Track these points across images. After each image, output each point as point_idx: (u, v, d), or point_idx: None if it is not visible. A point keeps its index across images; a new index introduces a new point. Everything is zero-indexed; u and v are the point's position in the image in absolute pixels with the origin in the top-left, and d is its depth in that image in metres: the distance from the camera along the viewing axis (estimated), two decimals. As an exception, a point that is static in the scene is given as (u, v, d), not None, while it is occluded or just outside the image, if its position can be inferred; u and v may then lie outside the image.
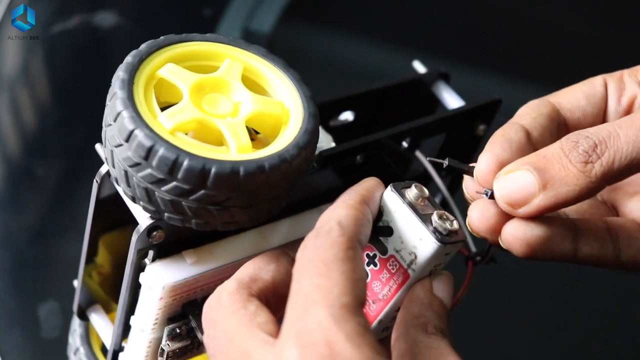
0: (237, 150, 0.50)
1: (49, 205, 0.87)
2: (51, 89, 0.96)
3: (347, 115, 0.63)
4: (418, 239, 0.49)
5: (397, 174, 0.61)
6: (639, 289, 0.85)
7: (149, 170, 0.48)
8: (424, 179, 0.59)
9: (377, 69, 1.01)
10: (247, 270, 0.49)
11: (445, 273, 0.51)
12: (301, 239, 0.48)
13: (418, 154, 0.61)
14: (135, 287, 0.54)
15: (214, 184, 0.48)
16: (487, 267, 0.56)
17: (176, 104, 0.51)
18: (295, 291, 0.45)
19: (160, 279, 0.52)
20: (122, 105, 0.49)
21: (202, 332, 0.54)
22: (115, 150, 0.49)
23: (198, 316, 0.54)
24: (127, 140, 0.48)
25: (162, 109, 0.50)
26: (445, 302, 0.50)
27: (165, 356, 0.55)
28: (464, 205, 0.55)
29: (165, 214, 0.50)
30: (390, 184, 0.50)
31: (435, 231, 0.49)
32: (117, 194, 0.53)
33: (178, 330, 0.55)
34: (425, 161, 0.61)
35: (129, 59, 0.51)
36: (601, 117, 0.55)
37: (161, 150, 0.48)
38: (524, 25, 1.06)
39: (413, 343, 0.47)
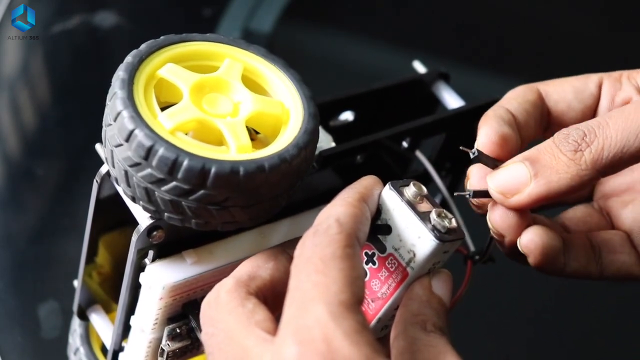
0: (237, 150, 0.50)
1: (49, 205, 0.87)
2: (51, 89, 0.96)
3: (347, 115, 0.63)
4: (417, 237, 0.49)
5: (397, 173, 0.61)
6: (639, 289, 0.85)
7: (148, 170, 0.48)
8: (424, 179, 0.60)
9: (377, 69, 1.01)
10: (245, 268, 0.49)
11: (444, 271, 0.51)
12: (300, 237, 0.48)
13: (418, 153, 0.61)
14: (135, 287, 0.54)
15: (213, 184, 0.48)
16: (486, 267, 0.56)
17: (176, 103, 0.51)
18: (294, 288, 0.45)
19: (160, 279, 0.52)
20: (122, 105, 0.49)
21: (201, 331, 0.54)
22: (115, 150, 0.49)
23: (198, 316, 0.54)
24: (127, 140, 0.48)
25: (162, 109, 0.50)
26: (444, 300, 0.50)
27: (165, 356, 0.55)
28: (463, 205, 0.55)
29: (165, 214, 0.50)
30: (389, 182, 0.50)
31: (434, 229, 0.49)
32: (117, 194, 0.53)
33: (178, 330, 0.55)
34: (425, 161, 0.61)
35: (129, 59, 0.51)
36: (587, 113, 0.56)
37: (161, 150, 0.48)
38: (524, 25, 1.07)
39: (412, 341, 0.47)
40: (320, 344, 0.42)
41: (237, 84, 0.52)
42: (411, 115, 0.62)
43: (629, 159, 0.49)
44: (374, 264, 0.51)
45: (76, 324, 0.66)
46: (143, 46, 0.52)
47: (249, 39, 0.79)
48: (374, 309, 0.51)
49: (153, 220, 0.51)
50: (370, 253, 0.51)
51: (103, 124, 0.51)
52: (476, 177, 0.53)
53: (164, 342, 0.55)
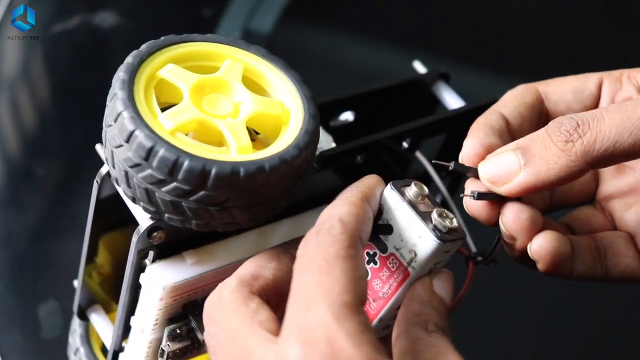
0: (237, 150, 0.50)
1: (49, 205, 0.87)
2: (51, 89, 0.96)
3: (348, 116, 0.63)
4: (418, 237, 0.49)
5: (398, 174, 0.61)
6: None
7: (149, 171, 0.48)
8: (424, 179, 0.59)
9: (377, 69, 1.01)
10: (248, 268, 0.49)
11: (445, 271, 0.51)
12: (302, 237, 0.48)
13: (418, 154, 0.61)
14: (136, 288, 0.54)
15: (214, 185, 0.48)
16: (487, 268, 0.56)
17: (176, 104, 0.51)
18: (296, 288, 0.44)
19: (160, 280, 0.52)
20: (123, 106, 0.49)
21: (202, 332, 0.54)
22: (115, 150, 0.49)
23: (198, 317, 0.54)
24: (127, 140, 0.48)
25: (163, 110, 0.50)
26: (445, 300, 0.50)
27: (165, 357, 0.55)
28: (464, 206, 0.55)
29: (166, 215, 0.50)
30: (390, 182, 0.50)
31: (435, 229, 0.49)
32: (117, 194, 0.53)
33: (178, 331, 0.55)
34: (425, 162, 0.61)
35: (129, 59, 0.51)
36: None
37: (161, 151, 0.48)
38: (524, 25, 1.07)
39: (413, 341, 0.47)
40: (323, 345, 0.42)
41: (237, 85, 0.52)
42: (411, 115, 0.62)
43: (619, 155, 0.49)
44: (375, 263, 0.51)
45: (76, 324, 0.66)
46: (143, 47, 0.52)
47: (249, 39, 0.79)
48: (376, 308, 0.51)
49: (153, 221, 0.51)
50: (371, 253, 0.51)
51: (103, 125, 0.51)
52: (470, 151, 0.52)
53: (164, 342, 0.55)
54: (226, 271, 0.53)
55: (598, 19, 1.08)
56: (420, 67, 0.66)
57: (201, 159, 0.48)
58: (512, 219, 0.51)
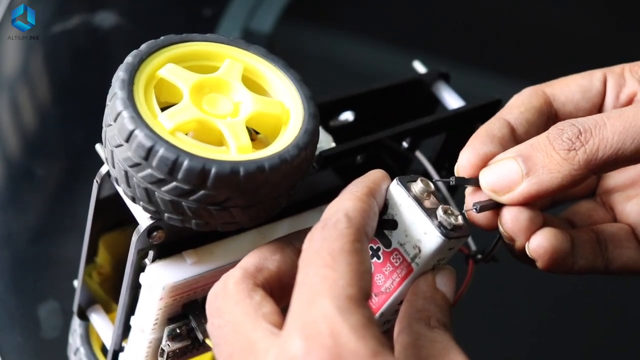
0: (237, 150, 0.50)
1: (49, 205, 0.87)
2: (51, 89, 0.96)
3: (347, 116, 0.63)
4: (423, 233, 0.49)
5: (398, 174, 0.61)
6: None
7: (149, 171, 0.48)
8: (424, 179, 0.60)
9: (377, 69, 1.01)
10: (252, 260, 0.49)
11: (448, 267, 0.51)
12: (306, 230, 0.48)
13: (418, 154, 0.61)
14: (136, 288, 0.54)
15: (214, 184, 0.48)
16: (487, 266, 0.56)
17: (176, 104, 0.51)
18: (301, 282, 0.44)
19: (160, 279, 0.52)
20: (122, 106, 0.49)
21: (202, 333, 0.54)
22: (115, 150, 0.49)
23: (198, 316, 0.54)
24: (127, 140, 0.48)
25: (162, 109, 0.50)
26: (447, 297, 0.50)
27: (165, 356, 0.55)
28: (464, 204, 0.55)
29: (166, 214, 0.50)
30: (396, 177, 0.50)
31: (440, 225, 0.49)
32: (117, 194, 0.53)
33: (178, 331, 0.55)
34: (425, 161, 0.61)
35: (129, 59, 0.51)
36: (594, 112, 0.55)
37: (161, 151, 0.48)
38: (524, 25, 1.06)
39: (416, 336, 0.47)
40: (327, 339, 0.42)
41: (237, 84, 0.52)
42: (411, 115, 0.62)
43: (622, 161, 0.49)
44: (378, 258, 0.51)
45: (76, 324, 0.66)
46: (143, 46, 0.52)
47: (249, 39, 0.79)
48: (377, 303, 0.51)
49: (153, 221, 0.51)
50: (375, 247, 0.51)
51: (103, 125, 0.51)
52: (465, 163, 0.52)
53: (164, 342, 0.55)
54: (226, 271, 0.53)
55: (598, 18, 1.08)
56: (420, 67, 0.66)
57: (201, 159, 0.48)
58: (511, 220, 0.50)
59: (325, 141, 0.59)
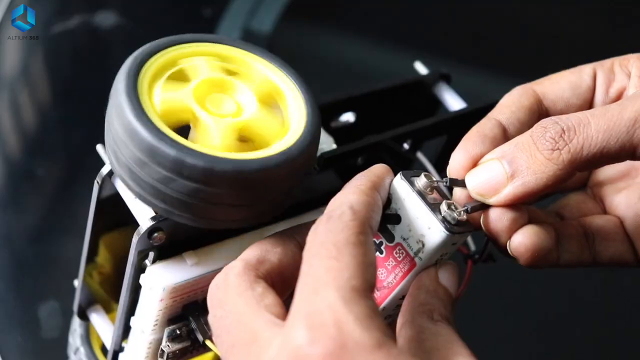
0: (238, 150, 0.50)
1: (49, 205, 0.87)
2: (51, 89, 0.96)
3: (348, 117, 0.63)
4: (426, 228, 0.49)
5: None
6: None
7: (152, 168, 0.48)
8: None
9: (377, 69, 1.01)
10: (254, 252, 0.49)
11: (450, 262, 0.51)
12: (307, 224, 0.48)
13: (419, 155, 0.61)
14: (136, 288, 0.54)
15: (217, 182, 0.48)
16: (486, 267, 0.56)
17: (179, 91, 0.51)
18: (306, 273, 0.44)
19: (160, 281, 0.52)
20: (126, 102, 0.49)
21: (202, 334, 0.54)
22: (118, 148, 0.49)
23: (198, 317, 0.54)
24: (130, 137, 0.48)
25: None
26: (450, 291, 0.50)
27: (165, 357, 0.55)
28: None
29: (169, 212, 0.50)
30: (400, 172, 0.50)
31: (444, 220, 0.49)
32: (117, 194, 0.53)
33: (178, 332, 0.55)
34: (426, 163, 0.61)
35: (133, 55, 0.51)
36: (585, 108, 0.55)
37: (165, 148, 0.47)
38: (526, 26, 1.06)
39: (419, 329, 0.47)
40: (331, 329, 0.42)
41: (240, 85, 0.52)
42: (412, 116, 0.62)
43: (607, 159, 0.49)
44: (381, 252, 0.51)
45: (76, 323, 0.66)
46: (157, 41, 0.52)
47: (249, 39, 0.79)
48: (379, 297, 0.51)
49: (154, 222, 0.51)
50: (377, 242, 0.51)
51: (106, 123, 0.51)
52: (456, 165, 0.52)
53: (164, 343, 0.55)
54: (226, 272, 0.53)
55: (598, 19, 1.08)
56: (421, 68, 0.66)
57: (204, 156, 0.48)
58: (493, 221, 0.50)
59: (326, 142, 0.59)
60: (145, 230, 0.51)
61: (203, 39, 0.54)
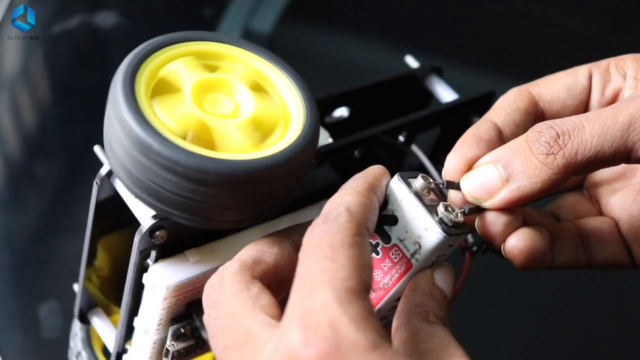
0: (238, 149, 0.50)
1: (49, 205, 0.87)
2: (51, 89, 0.96)
3: (342, 112, 0.63)
4: (423, 229, 0.49)
5: (394, 168, 0.61)
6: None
7: (151, 168, 0.48)
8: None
9: (377, 69, 1.01)
10: (249, 252, 0.49)
11: (446, 264, 0.51)
12: (303, 224, 0.48)
13: (414, 147, 0.61)
14: (138, 288, 0.54)
15: (215, 183, 0.48)
16: (484, 262, 0.56)
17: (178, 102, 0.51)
18: (301, 274, 0.44)
19: (164, 279, 0.52)
20: (124, 102, 0.49)
21: (206, 330, 0.54)
22: (116, 148, 0.49)
23: (202, 315, 0.54)
24: (128, 138, 0.48)
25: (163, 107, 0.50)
26: (446, 293, 0.50)
27: (170, 356, 0.55)
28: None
29: (168, 212, 0.50)
30: (397, 173, 0.50)
31: (441, 222, 0.49)
32: (117, 195, 0.53)
33: (182, 330, 0.55)
34: (421, 155, 0.61)
35: (132, 53, 0.51)
36: (581, 109, 0.55)
37: (162, 148, 0.47)
38: (517, 21, 1.07)
39: (414, 331, 0.47)
40: (326, 329, 0.42)
41: (239, 85, 0.52)
42: (405, 109, 0.62)
43: (601, 163, 0.49)
44: (377, 254, 0.51)
45: (77, 327, 0.65)
46: (149, 42, 0.52)
47: (249, 39, 0.79)
48: (375, 299, 0.51)
49: (155, 221, 0.51)
50: (374, 243, 0.51)
51: (105, 123, 0.51)
52: (451, 168, 0.52)
53: (168, 342, 0.55)
54: (228, 270, 0.53)
55: (591, 14, 1.08)
56: (412, 62, 0.66)
57: (202, 157, 0.48)
58: (487, 224, 0.51)
59: (322, 137, 0.59)
60: (147, 229, 0.51)
61: (174, 39, 0.53)
